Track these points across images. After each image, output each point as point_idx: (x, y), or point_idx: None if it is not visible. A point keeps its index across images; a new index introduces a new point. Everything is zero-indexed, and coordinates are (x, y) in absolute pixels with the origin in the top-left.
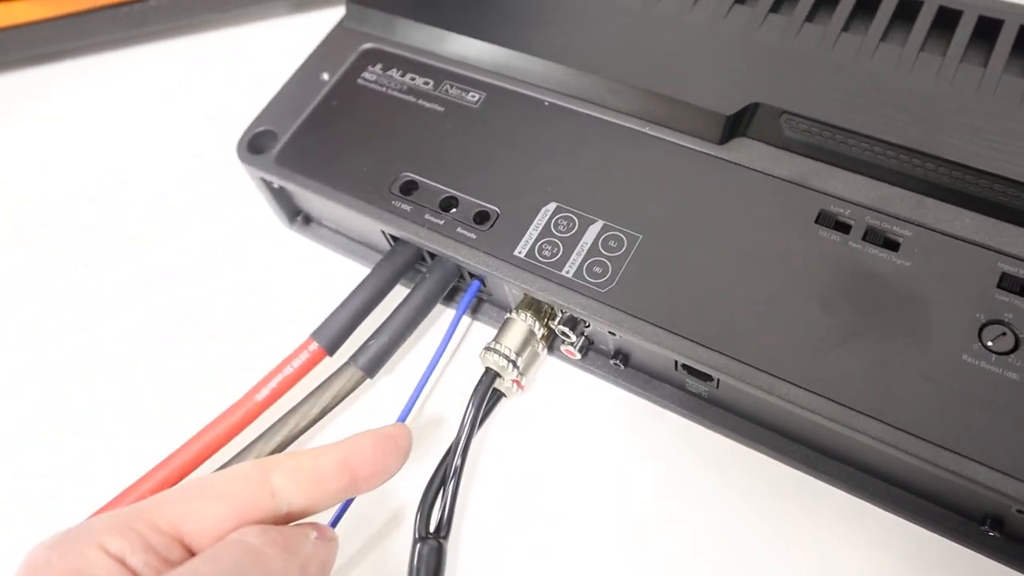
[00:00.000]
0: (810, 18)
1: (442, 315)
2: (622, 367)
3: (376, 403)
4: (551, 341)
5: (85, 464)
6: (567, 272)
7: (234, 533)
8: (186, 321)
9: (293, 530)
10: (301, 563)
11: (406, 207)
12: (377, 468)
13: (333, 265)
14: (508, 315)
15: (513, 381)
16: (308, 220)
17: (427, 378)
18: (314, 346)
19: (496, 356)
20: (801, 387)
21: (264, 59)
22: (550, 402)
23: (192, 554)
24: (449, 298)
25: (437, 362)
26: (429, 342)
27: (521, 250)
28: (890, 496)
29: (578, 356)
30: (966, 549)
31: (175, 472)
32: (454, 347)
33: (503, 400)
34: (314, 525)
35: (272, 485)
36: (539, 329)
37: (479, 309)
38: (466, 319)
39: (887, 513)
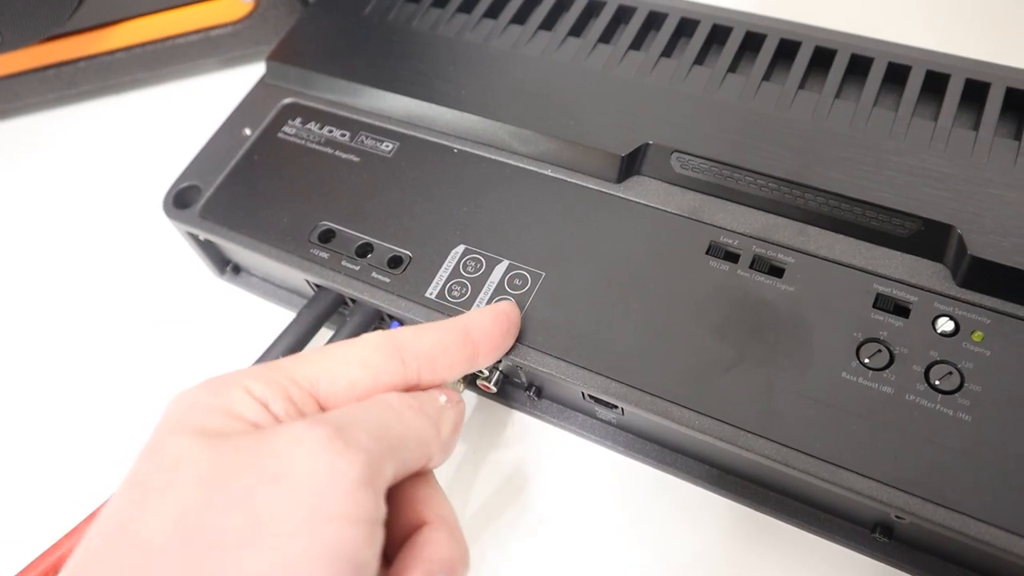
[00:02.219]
0: (699, 61)
1: None
2: (536, 399)
3: None
4: (470, 377)
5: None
6: None
7: (375, 396)
8: (121, 370)
9: (424, 395)
10: (436, 424)
11: (324, 255)
12: (496, 342)
13: (264, 312)
14: None
15: None
16: (238, 270)
17: None
18: None
19: None
20: (693, 410)
21: (191, 116)
22: (469, 436)
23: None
24: None
25: None
26: None
27: (432, 291)
28: (789, 508)
29: (493, 389)
30: (860, 555)
31: None
32: None
33: None
34: (441, 389)
35: (402, 354)
36: None
37: None
38: None
39: (787, 525)
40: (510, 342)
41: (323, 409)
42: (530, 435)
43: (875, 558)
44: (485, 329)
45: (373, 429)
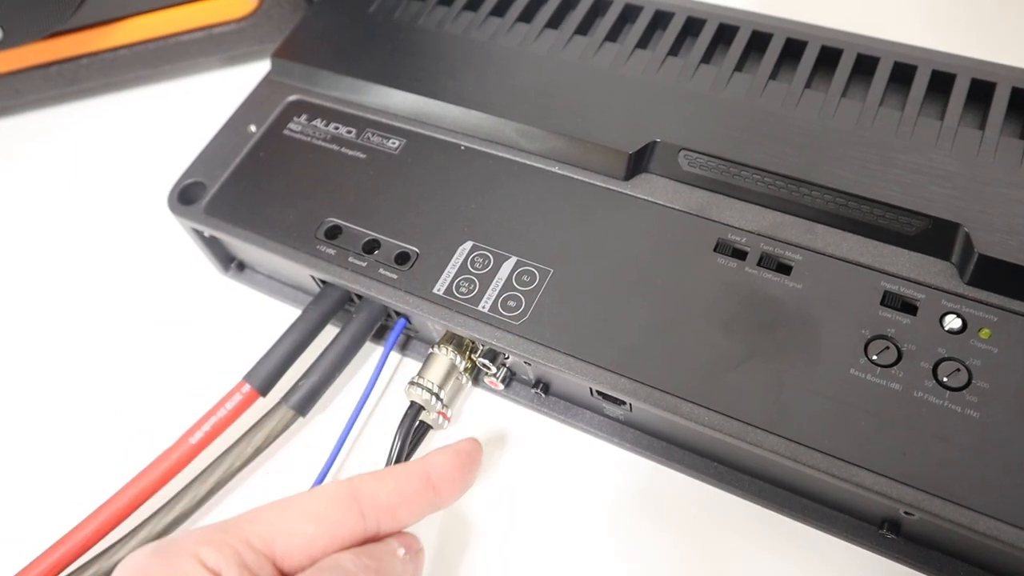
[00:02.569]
0: (705, 60)
1: (373, 352)
2: (543, 396)
3: (310, 440)
4: (475, 373)
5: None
6: (483, 307)
7: (329, 558)
8: (123, 366)
9: (383, 550)
10: None
11: (330, 251)
12: (458, 483)
13: (268, 309)
14: (431, 350)
15: (439, 413)
16: (242, 267)
17: (357, 414)
18: (246, 388)
19: (420, 390)
20: (703, 406)
21: (194, 113)
22: (477, 432)
23: (282, 573)
24: (379, 336)
25: (367, 398)
26: (361, 379)
27: (440, 288)
28: (796, 505)
29: (501, 387)
30: (867, 551)
31: (112, 518)
32: (385, 383)
33: (431, 432)
34: (401, 539)
35: (360, 506)
36: (461, 362)
37: (408, 346)
38: (396, 356)
39: (794, 521)
40: (471, 480)
41: (280, 569)
42: (536, 432)
43: (882, 554)
44: (446, 472)
45: None
